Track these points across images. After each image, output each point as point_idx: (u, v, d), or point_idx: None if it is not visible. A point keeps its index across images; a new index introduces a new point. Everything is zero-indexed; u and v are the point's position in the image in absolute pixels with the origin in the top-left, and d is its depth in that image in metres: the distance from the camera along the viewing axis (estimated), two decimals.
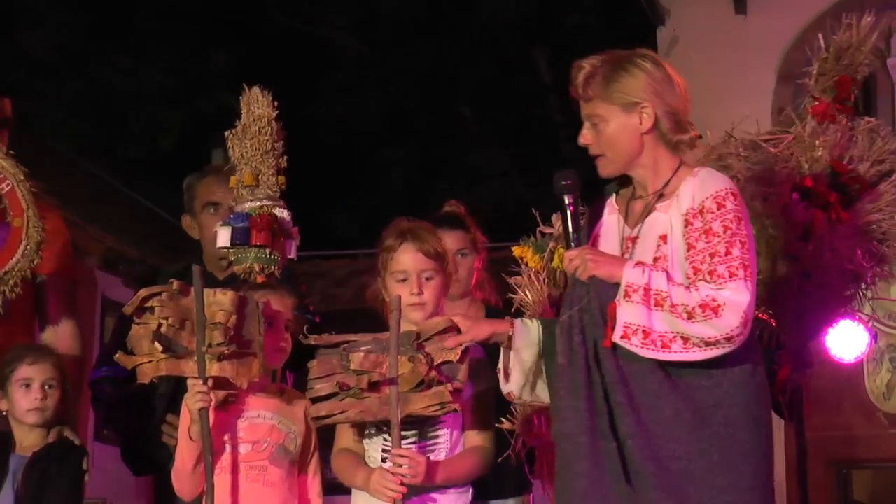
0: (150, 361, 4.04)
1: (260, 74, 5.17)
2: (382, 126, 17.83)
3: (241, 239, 4.40)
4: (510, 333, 3.90)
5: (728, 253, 3.66)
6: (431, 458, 4.07)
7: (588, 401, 3.66)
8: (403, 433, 4.02)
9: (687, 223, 3.73)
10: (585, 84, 3.84)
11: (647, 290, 3.64)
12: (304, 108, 15.96)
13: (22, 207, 4.65)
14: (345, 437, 4.23)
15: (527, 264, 4.73)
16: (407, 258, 4.20)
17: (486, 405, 4.21)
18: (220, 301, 4.10)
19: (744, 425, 3.69)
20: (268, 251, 4.43)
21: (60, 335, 4.82)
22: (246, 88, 4.47)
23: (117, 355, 4.09)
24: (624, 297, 3.65)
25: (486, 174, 17.05)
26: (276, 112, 4.46)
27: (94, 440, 9.58)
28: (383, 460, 4.10)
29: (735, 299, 3.61)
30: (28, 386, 4.50)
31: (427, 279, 4.19)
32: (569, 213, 3.81)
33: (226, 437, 4.19)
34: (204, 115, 17.13)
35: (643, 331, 3.63)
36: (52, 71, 16.74)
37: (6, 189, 4.65)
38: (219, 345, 4.04)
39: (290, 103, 4.59)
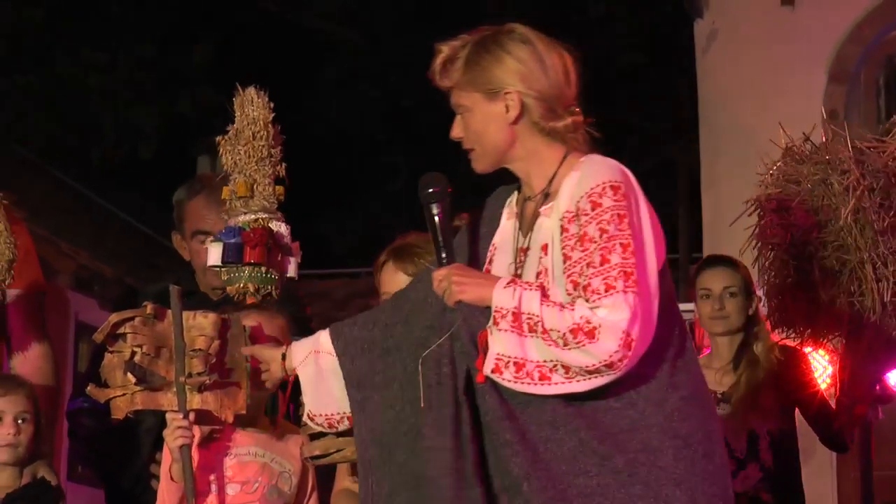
0: (123, 395, 4.02)
1: (245, 70, 5.17)
2: (381, 127, 17.84)
3: (233, 256, 4.39)
4: (283, 352, 3.86)
5: (604, 261, 3.42)
6: None
7: (455, 438, 3.50)
8: None
9: (563, 230, 3.52)
10: (443, 70, 3.74)
11: (516, 314, 3.45)
12: (295, 106, 15.97)
13: None
14: (345, 477, 4.22)
15: None
16: (388, 279, 4.24)
17: None
18: (200, 325, 4.08)
19: (669, 447, 3.46)
20: (263, 269, 4.41)
21: (31, 361, 4.81)
22: (240, 89, 4.48)
23: (89, 388, 4.07)
24: (494, 324, 3.48)
25: (496, 180, 17.04)
26: (273, 115, 4.47)
27: (68, 480, 9.60)
28: None
29: (611, 319, 3.38)
30: (0, 420, 4.51)
31: None
32: (437, 225, 3.68)
33: (211, 478, 4.17)
34: (186, 117, 17.17)
35: (515, 362, 3.45)
36: (9, 65, 16.75)
37: None
38: (199, 374, 4.02)
39: (279, 102, 4.59)
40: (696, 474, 3.47)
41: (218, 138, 4.52)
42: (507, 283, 3.51)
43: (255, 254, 4.38)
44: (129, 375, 3.99)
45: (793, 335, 5.34)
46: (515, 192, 3.79)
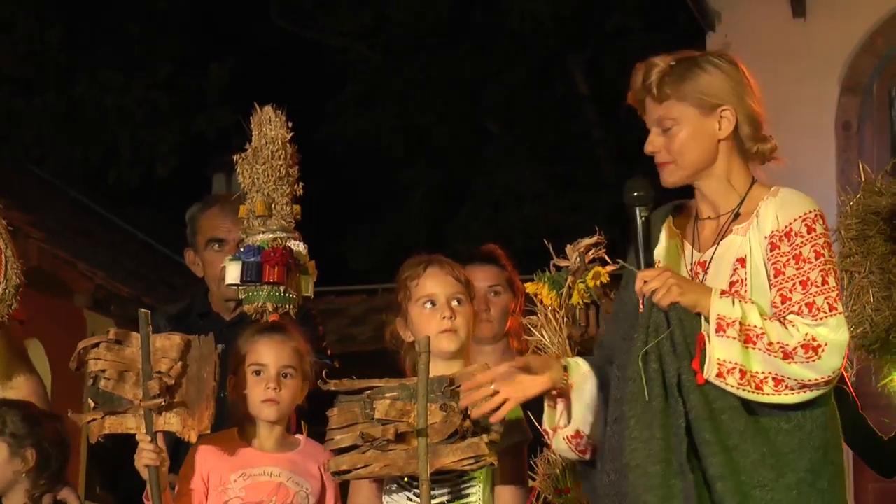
0: (94, 419, 4.09)
1: (261, 89, 5.20)
2: (399, 144, 17.84)
3: (252, 275, 4.41)
4: (565, 380, 3.89)
5: (825, 283, 3.69)
6: None
7: (664, 430, 3.67)
8: (432, 490, 3.99)
9: (772, 246, 3.74)
10: (661, 82, 3.83)
11: (741, 324, 3.66)
12: (312, 125, 16.01)
13: None
14: (361, 495, 4.22)
15: (541, 302, 4.73)
16: (434, 282, 4.21)
17: (520, 460, 4.21)
18: (164, 347, 4.13)
19: (826, 472, 3.69)
20: (282, 289, 4.45)
21: (19, 388, 4.75)
22: (257, 108, 4.50)
23: (70, 413, 4.16)
24: (716, 332, 3.66)
25: (515, 198, 17.03)
26: (291, 134, 4.49)
27: (85, 499, 9.62)
28: None
29: (837, 339, 3.64)
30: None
31: (457, 304, 4.21)
32: (643, 229, 3.80)
33: (226, 499, 4.21)
34: (202, 136, 17.19)
35: (740, 370, 3.64)
36: (29, 87, 16.79)
37: None
38: (156, 396, 4.07)
39: (297, 121, 4.62)
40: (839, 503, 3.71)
41: (236, 156, 4.55)
42: (723, 293, 3.71)
43: (275, 273, 4.41)
44: (90, 401, 4.09)
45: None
46: (671, 216, 3.95)
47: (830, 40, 9.74)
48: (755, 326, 3.66)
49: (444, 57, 17.28)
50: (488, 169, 17.37)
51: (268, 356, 4.29)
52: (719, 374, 3.65)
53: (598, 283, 4.67)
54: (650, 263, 3.79)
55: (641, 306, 3.78)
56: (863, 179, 5.11)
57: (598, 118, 17.16)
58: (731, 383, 3.64)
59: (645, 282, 3.73)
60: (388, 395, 4.05)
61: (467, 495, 4.12)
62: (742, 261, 3.78)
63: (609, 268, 4.68)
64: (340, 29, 17.73)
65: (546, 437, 4.01)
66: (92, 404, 4.08)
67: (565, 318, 4.68)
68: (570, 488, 4.56)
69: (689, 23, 11.44)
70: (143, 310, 4.14)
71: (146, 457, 4.09)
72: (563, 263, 4.74)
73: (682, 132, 3.82)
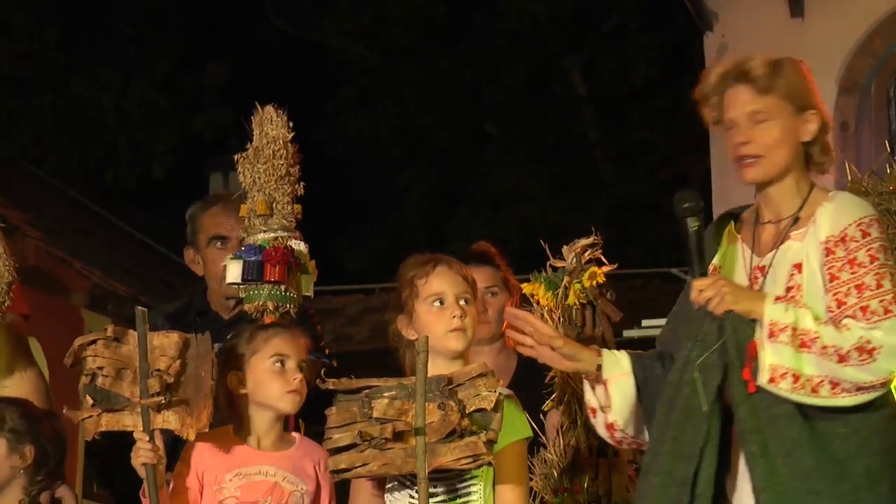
0: (90, 416, 4.11)
1: (260, 90, 5.22)
2: (396, 144, 17.84)
3: (253, 274, 4.43)
4: (599, 363, 3.96)
5: (879, 286, 3.72)
6: None
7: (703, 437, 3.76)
8: (431, 489, 4.01)
9: (828, 252, 3.78)
10: (766, 74, 3.85)
11: (794, 329, 3.69)
12: (311, 126, 16.04)
13: None
14: (362, 495, 4.24)
15: (538, 302, 4.75)
16: (444, 281, 4.21)
17: (521, 459, 4.22)
18: (162, 345, 4.14)
19: (886, 477, 3.71)
20: (283, 288, 4.46)
21: (20, 386, 4.77)
22: (259, 107, 4.52)
23: (65, 410, 4.17)
24: (769, 337, 3.71)
25: (513, 198, 17.04)
26: (292, 134, 4.51)
27: (83, 498, 9.62)
28: None
29: (892, 342, 3.66)
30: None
31: (465, 303, 4.21)
32: (695, 238, 3.84)
33: (221, 498, 4.22)
34: (199, 136, 17.20)
35: (793, 374, 3.68)
36: (25, 86, 16.79)
37: None
38: (155, 394, 4.09)
39: (295, 122, 4.64)
40: None
41: (237, 156, 4.57)
42: (778, 299, 3.75)
43: (276, 272, 4.42)
44: (87, 398, 4.10)
45: None
46: (732, 222, 4.01)
47: (828, 40, 9.72)
48: (809, 331, 3.70)
49: (443, 57, 17.29)
50: (487, 169, 17.37)
51: (289, 349, 4.32)
52: (772, 380, 3.69)
53: (594, 283, 4.69)
54: (704, 273, 3.83)
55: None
56: (849, 179, 5.13)
57: (596, 118, 17.18)
58: (784, 388, 3.68)
59: (700, 291, 3.78)
60: (386, 394, 4.05)
61: (468, 494, 4.13)
62: (799, 266, 3.82)
63: (605, 268, 4.71)
64: (339, 29, 17.72)
65: (591, 415, 4.08)
66: (90, 401, 4.09)
67: (561, 319, 4.69)
68: (567, 488, 4.58)
69: (686, 23, 11.46)
70: (139, 307, 4.14)
71: (143, 455, 4.10)
72: (559, 264, 4.76)
73: (776, 129, 3.86)
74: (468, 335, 4.20)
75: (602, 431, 4.06)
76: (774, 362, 3.69)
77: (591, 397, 4.05)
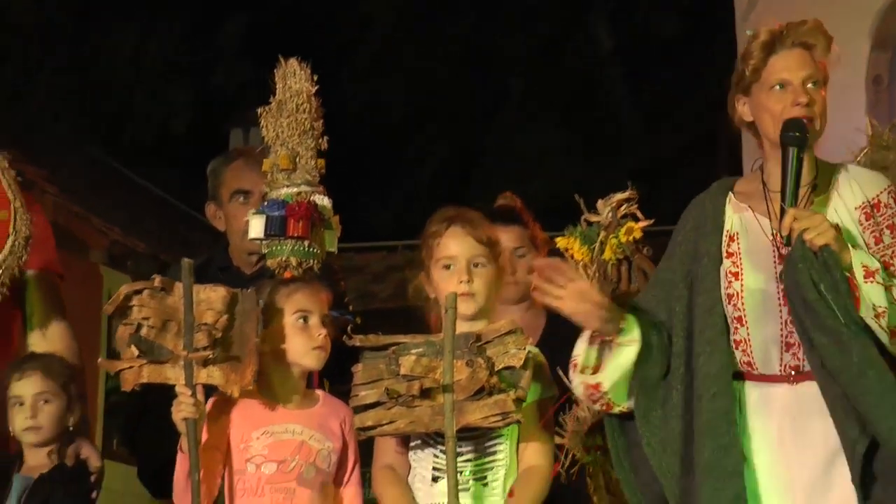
0: (131, 367, 4.07)
1: (276, 44, 5.19)
2: (417, 103, 17.82)
3: (276, 229, 4.41)
4: (622, 326, 3.98)
5: None
6: (489, 476, 4.10)
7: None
8: (458, 447, 4.01)
9: (867, 216, 3.94)
10: (827, 44, 4.01)
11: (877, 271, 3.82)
12: (329, 81, 15.99)
13: (8, 199, 4.64)
14: (388, 453, 4.23)
15: (573, 257, 4.75)
16: (455, 243, 4.21)
17: (547, 417, 4.22)
18: (209, 299, 4.11)
19: None
20: (306, 243, 4.44)
21: (50, 340, 4.76)
22: (282, 60, 4.49)
23: (99, 360, 4.18)
24: (864, 278, 3.81)
25: (538, 157, 17.01)
26: (316, 88, 4.48)
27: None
28: (435, 479, 4.10)
29: None
30: (21, 404, 4.53)
31: (477, 266, 4.21)
32: (795, 167, 3.89)
33: (248, 456, 4.20)
34: (218, 91, 17.19)
35: (882, 313, 3.81)
36: (42, 43, 16.80)
37: None
38: (202, 348, 4.06)
39: (317, 76, 4.61)
40: None
41: (260, 110, 4.55)
42: (853, 246, 3.85)
43: (300, 228, 4.41)
44: (133, 348, 4.06)
45: None
46: (731, 193, 4.08)
47: None
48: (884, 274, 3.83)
49: (462, 12, 17.28)
50: (511, 126, 17.36)
51: (312, 304, 4.28)
52: (877, 315, 3.79)
53: (630, 238, 4.68)
54: (794, 204, 3.88)
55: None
56: (870, 134, 5.13)
57: (623, 73, 17.12)
58: (883, 325, 3.80)
59: (796, 219, 3.83)
60: (413, 350, 4.07)
61: (494, 452, 4.13)
62: (835, 228, 3.87)
63: (642, 223, 4.69)
64: None
65: (571, 369, 4.07)
66: (135, 351, 4.05)
67: (597, 274, 4.68)
68: (599, 446, 4.56)
69: None
70: (185, 259, 4.13)
71: (185, 409, 4.07)
72: (594, 218, 4.76)
73: (823, 92, 4.00)
74: (478, 301, 4.19)
75: (579, 389, 4.07)
76: (876, 302, 3.79)
77: (579, 353, 4.06)
